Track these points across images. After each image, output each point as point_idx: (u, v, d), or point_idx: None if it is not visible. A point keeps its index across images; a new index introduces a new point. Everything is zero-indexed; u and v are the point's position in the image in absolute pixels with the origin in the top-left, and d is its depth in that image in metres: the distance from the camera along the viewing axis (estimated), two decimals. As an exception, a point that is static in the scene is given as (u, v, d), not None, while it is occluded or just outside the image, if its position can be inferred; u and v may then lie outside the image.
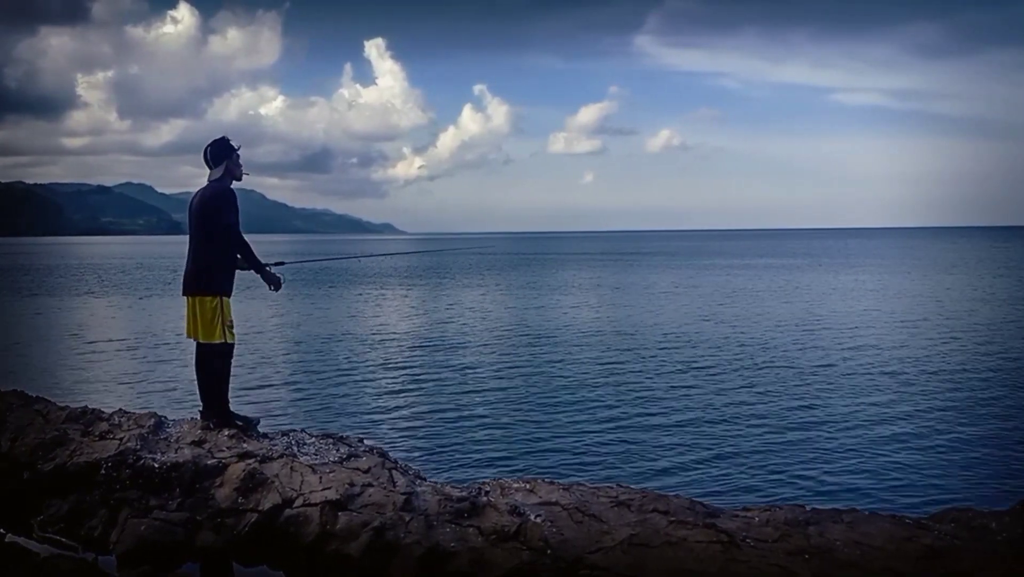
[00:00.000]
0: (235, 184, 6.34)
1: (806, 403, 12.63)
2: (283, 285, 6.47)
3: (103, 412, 6.52)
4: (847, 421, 11.46)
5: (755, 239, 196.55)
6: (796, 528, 4.77)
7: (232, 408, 6.33)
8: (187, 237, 6.29)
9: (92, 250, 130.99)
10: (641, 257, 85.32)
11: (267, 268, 6.40)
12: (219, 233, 6.06)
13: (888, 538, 4.59)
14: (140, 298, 34.87)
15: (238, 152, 6.25)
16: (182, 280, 6.21)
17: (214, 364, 6.19)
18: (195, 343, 6.29)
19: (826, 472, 9.19)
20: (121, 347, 19.58)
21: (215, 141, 6.23)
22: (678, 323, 23.64)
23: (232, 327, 6.17)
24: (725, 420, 11.60)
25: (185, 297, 6.19)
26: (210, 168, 6.18)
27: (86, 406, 6.66)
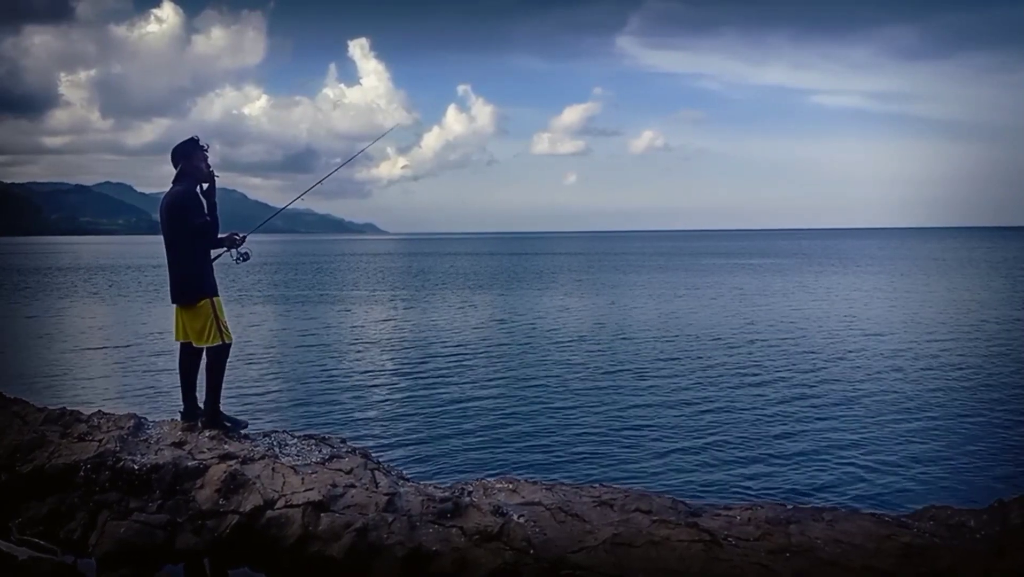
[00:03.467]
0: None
1: (788, 402, 12.72)
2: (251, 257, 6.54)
3: (82, 413, 6.45)
4: (828, 420, 11.54)
5: (736, 239, 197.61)
6: (777, 527, 4.80)
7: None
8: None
9: (70, 250, 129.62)
10: (624, 257, 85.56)
11: (235, 242, 6.43)
12: (192, 237, 6.00)
13: (868, 536, 4.63)
14: (119, 299, 34.54)
15: (205, 151, 6.16)
16: (169, 288, 6.16)
17: (213, 365, 6.14)
18: (179, 344, 6.26)
19: (807, 470, 9.26)
20: (100, 348, 19.40)
21: (182, 141, 6.16)
22: (659, 323, 23.72)
23: (227, 326, 6.14)
24: (707, 419, 11.65)
25: (173, 304, 6.17)
26: (175, 168, 6.11)
27: (64, 408, 6.60)
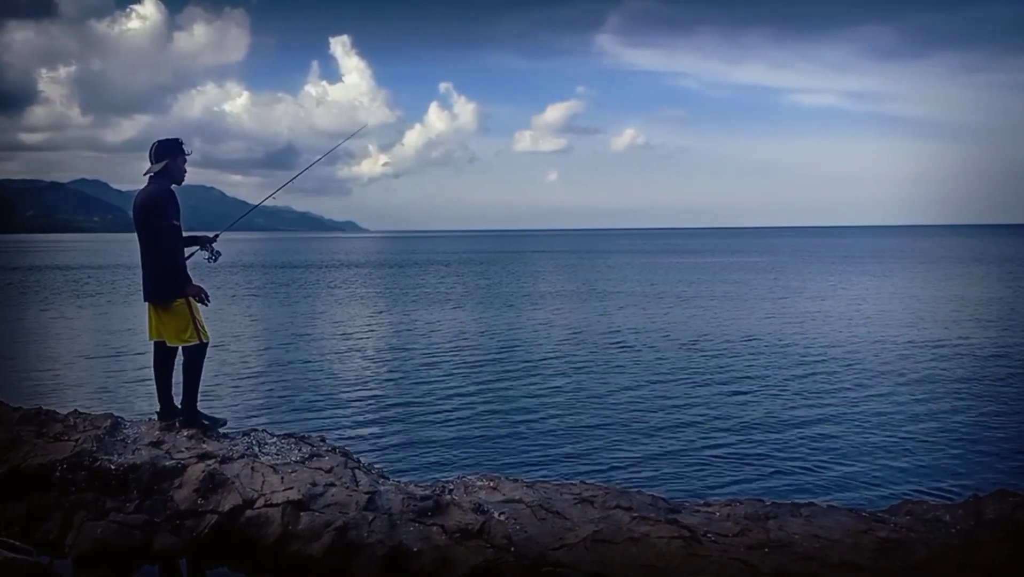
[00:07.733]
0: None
1: (766, 398, 12.81)
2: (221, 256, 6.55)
3: (57, 413, 6.36)
4: (806, 416, 11.64)
5: (719, 237, 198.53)
6: (756, 522, 4.83)
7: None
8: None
9: (43, 248, 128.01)
10: (606, 256, 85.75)
11: (208, 243, 6.45)
12: (164, 236, 5.93)
13: (845, 531, 4.67)
14: (93, 298, 34.17)
15: (186, 156, 6.10)
16: (142, 286, 6.09)
17: (190, 364, 6.08)
18: (153, 344, 6.20)
19: (786, 466, 9.33)
20: (75, 348, 19.19)
21: (166, 139, 6.08)
22: (639, 321, 23.81)
23: (204, 325, 6.08)
24: (686, 416, 11.72)
25: (146, 302, 6.09)
26: (152, 164, 6.02)
27: (40, 407, 6.50)
